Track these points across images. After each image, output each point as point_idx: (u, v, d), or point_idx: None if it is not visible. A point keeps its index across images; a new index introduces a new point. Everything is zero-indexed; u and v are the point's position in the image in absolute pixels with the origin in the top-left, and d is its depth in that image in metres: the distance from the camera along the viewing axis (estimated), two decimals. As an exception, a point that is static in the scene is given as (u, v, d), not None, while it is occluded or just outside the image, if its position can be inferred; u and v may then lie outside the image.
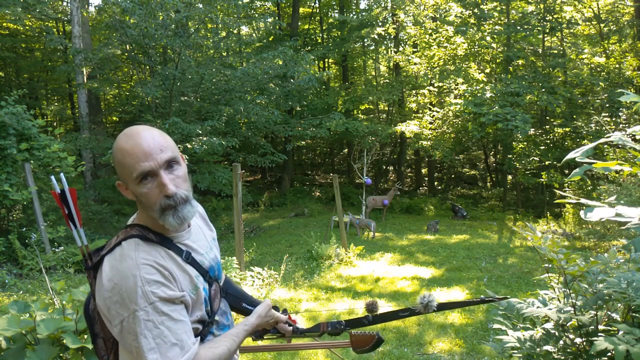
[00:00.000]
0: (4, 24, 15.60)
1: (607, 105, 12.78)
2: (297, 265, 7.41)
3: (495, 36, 13.78)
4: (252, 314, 1.53)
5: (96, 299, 1.29)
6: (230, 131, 12.61)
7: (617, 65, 13.36)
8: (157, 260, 1.26)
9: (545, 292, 2.33)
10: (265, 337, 1.73)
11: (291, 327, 1.72)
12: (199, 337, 1.34)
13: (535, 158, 13.14)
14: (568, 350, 1.99)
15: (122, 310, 1.21)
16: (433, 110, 15.63)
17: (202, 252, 1.41)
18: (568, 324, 2.09)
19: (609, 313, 2.03)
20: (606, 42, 14.16)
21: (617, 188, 7.71)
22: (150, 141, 1.26)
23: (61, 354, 2.51)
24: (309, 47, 19.24)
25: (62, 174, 1.65)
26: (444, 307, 1.84)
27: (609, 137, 1.83)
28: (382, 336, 1.74)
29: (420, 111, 16.91)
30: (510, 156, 13.53)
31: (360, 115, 19.80)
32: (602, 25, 14.15)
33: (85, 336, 2.52)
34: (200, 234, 1.48)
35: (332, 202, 11.99)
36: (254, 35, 20.08)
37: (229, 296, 1.62)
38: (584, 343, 1.97)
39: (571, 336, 2.03)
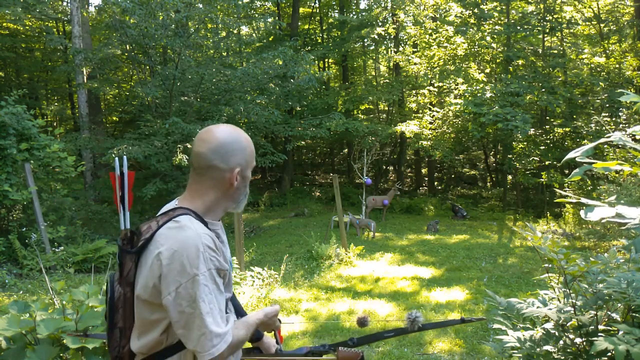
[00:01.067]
0: (4, 24, 15.59)
1: (607, 105, 12.77)
2: (297, 265, 7.41)
3: (495, 36, 13.77)
4: (260, 311, 1.56)
5: (140, 279, 1.34)
6: (230, 131, 12.59)
7: (617, 65, 13.36)
8: (211, 233, 1.38)
9: (545, 292, 2.33)
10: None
11: (275, 347, 1.74)
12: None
13: (535, 158, 13.14)
14: (568, 350, 1.99)
15: (180, 277, 1.27)
16: (433, 110, 15.63)
17: (226, 245, 1.53)
18: (568, 324, 2.09)
19: (609, 313, 2.03)
20: (606, 42, 14.15)
21: (617, 188, 7.71)
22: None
23: (61, 354, 2.51)
24: (309, 47, 19.23)
25: (125, 157, 1.75)
26: (426, 327, 1.85)
27: (609, 137, 1.83)
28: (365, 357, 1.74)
29: (420, 111, 16.90)
30: (510, 156, 13.52)
31: (360, 115, 19.79)
32: (602, 25, 14.15)
33: (85, 336, 2.52)
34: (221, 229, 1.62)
35: (332, 202, 11.99)
36: (254, 35, 20.09)
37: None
38: (584, 343, 1.97)
39: (571, 336, 2.03)
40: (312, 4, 21.59)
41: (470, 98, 12.61)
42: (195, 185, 1.44)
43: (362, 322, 1.95)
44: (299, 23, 19.19)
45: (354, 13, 20.61)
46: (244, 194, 1.51)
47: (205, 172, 1.41)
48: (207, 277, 1.28)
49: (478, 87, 12.95)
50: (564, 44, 14.92)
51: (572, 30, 14.76)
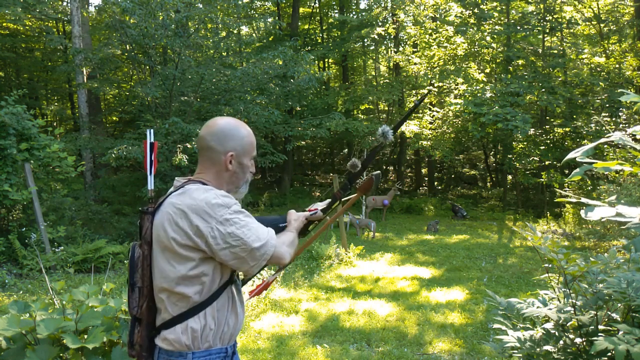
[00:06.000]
0: (4, 24, 15.59)
1: (607, 105, 12.77)
2: (297, 265, 7.41)
3: (495, 36, 13.77)
4: (289, 224, 1.82)
5: (166, 226, 1.51)
6: (230, 131, 12.58)
7: (617, 65, 13.35)
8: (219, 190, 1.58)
9: (545, 292, 2.33)
10: (309, 230, 2.03)
11: (319, 213, 2.01)
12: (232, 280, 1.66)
13: (535, 158, 13.14)
14: (568, 350, 1.99)
15: (210, 221, 1.47)
16: (433, 110, 15.63)
17: None
18: (568, 324, 2.09)
19: (609, 313, 2.03)
20: (606, 42, 14.15)
21: (617, 188, 7.71)
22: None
23: (61, 354, 2.51)
24: (309, 47, 19.23)
25: (152, 130, 2.15)
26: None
27: (609, 137, 1.83)
28: (379, 173, 2.05)
29: (420, 111, 16.91)
30: (510, 156, 13.52)
31: (360, 115, 19.80)
32: (602, 25, 14.14)
33: (85, 336, 2.52)
34: None
35: (332, 202, 11.97)
36: (254, 35, 20.07)
37: None
38: (584, 343, 1.97)
39: (571, 336, 2.03)
40: (312, 4, 21.59)
41: (470, 98, 12.60)
42: (199, 166, 1.65)
43: (353, 165, 2.09)
44: (299, 23, 19.19)
45: (354, 13, 20.61)
46: (243, 180, 1.67)
47: (204, 152, 1.62)
48: (232, 212, 1.49)
49: (478, 87, 12.94)
50: (564, 44, 14.92)
51: (572, 30, 14.76)
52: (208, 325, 1.54)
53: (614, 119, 12.04)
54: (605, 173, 8.90)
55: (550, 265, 2.16)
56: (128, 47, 11.52)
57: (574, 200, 2.05)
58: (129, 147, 9.44)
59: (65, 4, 17.32)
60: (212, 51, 12.20)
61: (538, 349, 2.00)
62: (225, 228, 1.47)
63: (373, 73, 23.56)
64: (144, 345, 1.62)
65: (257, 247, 1.50)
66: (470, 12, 13.94)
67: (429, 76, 15.19)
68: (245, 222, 1.51)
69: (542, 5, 13.46)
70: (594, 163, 1.76)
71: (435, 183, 20.39)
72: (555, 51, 14.37)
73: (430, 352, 4.15)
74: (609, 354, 1.80)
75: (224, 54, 13.80)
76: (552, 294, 2.26)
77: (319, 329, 4.72)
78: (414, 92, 17.73)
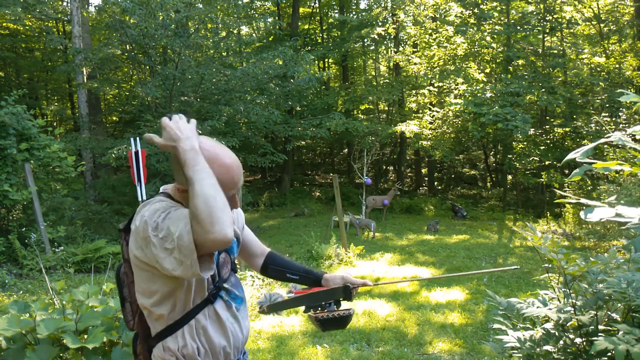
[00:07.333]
0: (4, 24, 15.60)
1: (607, 105, 12.77)
2: (297, 265, 7.40)
3: (495, 36, 13.77)
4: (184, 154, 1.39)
5: (129, 246, 1.45)
6: (230, 131, 12.60)
7: (617, 65, 13.35)
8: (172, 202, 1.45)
9: (545, 292, 2.33)
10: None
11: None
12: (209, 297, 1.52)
13: (535, 158, 13.14)
14: (568, 350, 1.99)
15: (149, 235, 1.34)
16: (433, 110, 15.63)
17: None
18: (568, 324, 2.09)
19: (609, 313, 2.03)
20: (606, 42, 14.15)
21: (617, 188, 7.71)
22: (240, 169, 1.49)
23: (61, 354, 2.51)
24: (309, 47, 19.23)
25: (137, 139, 1.91)
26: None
27: (609, 137, 1.83)
28: (338, 317, 1.84)
29: (420, 111, 16.90)
30: (510, 156, 13.52)
31: (360, 115, 19.80)
32: (602, 25, 14.14)
33: (85, 336, 2.52)
34: None
35: (332, 202, 11.98)
36: (254, 35, 20.09)
37: (272, 271, 1.90)
38: (584, 343, 1.97)
39: (571, 336, 2.03)
40: (312, 4, 21.59)
41: (470, 98, 12.60)
42: None
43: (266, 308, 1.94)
44: (299, 23, 19.19)
45: (354, 13, 20.62)
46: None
47: None
48: (162, 219, 1.33)
49: (478, 87, 12.95)
50: (564, 44, 14.92)
51: (572, 30, 14.76)
52: (188, 345, 1.48)
53: (614, 119, 12.04)
54: (605, 173, 8.91)
55: (550, 265, 2.16)
56: (128, 47, 11.53)
57: (573, 200, 2.05)
58: (129, 147, 9.45)
59: (65, 4, 17.33)
60: (212, 51, 12.21)
61: (538, 349, 2.00)
62: (158, 234, 1.32)
63: (373, 73, 23.56)
64: (145, 356, 1.60)
65: (178, 237, 1.29)
66: (470, 12, 13.93)
67: (429, 76, 15.19)
68: (166, 226, 1.31)
69: (542, 5, 13.46)
70: (593, 163, 1.76)
71: (435, 183, 20.39)
72: (555, 51, 14.36)
73: (430, 352, 4.16)
74: (609, 354, 1.80)
75: (224, 54, 13.81)
76: (552, 294, 2.27)
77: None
78: (414, 92, 17.73)
